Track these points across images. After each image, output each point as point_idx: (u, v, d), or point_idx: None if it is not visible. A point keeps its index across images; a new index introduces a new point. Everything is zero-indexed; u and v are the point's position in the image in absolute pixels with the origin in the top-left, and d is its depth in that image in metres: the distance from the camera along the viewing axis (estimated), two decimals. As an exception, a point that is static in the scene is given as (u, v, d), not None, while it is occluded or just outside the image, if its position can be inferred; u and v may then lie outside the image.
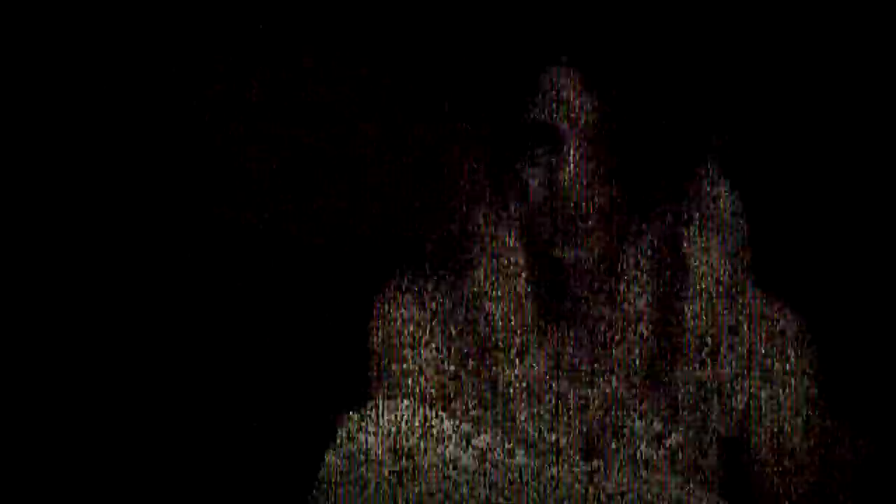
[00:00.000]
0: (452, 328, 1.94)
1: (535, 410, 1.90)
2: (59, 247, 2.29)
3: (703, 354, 1.89)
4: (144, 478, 2.26)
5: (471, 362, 1.93)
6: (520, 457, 1.86)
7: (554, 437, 1.90)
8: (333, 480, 1.86)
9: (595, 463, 1.86)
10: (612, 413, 1.90)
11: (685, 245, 1.89)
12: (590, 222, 1.85)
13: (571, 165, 1.83)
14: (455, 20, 2.07)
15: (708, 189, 1.91)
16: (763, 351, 1.90)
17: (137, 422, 2.27)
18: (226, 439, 2.26)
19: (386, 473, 1.85)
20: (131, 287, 2.29)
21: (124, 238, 2.29)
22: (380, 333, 1.95)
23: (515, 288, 1.91)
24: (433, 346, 1.94)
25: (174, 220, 2.29)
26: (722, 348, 1.89)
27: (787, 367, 1.90)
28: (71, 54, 2.28)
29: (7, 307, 2.29)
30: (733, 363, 1.89)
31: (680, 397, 1.90)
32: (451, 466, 1.86)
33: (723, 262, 1.90)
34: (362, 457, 1.86)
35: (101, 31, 2.27)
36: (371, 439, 1.86)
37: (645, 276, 1.90)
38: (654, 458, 1.89)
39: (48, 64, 2.28)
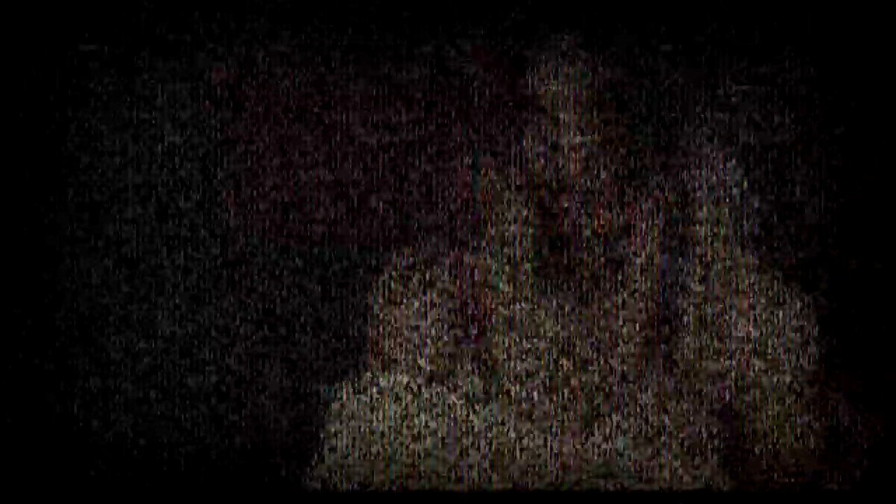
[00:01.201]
0: (453, 301, 1.94)
1: (535, 382, 1.90)
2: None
3: (705, 327, 1.90)
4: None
5: (471, 335, 1.93)
6: (516, 431, 1.86)
7: (553, 410, 1.89)
8: (329, 451, 1.85)
9: (594, 434, 1.86)
10: (612, 385, 1.90)
11: (690, 219, 1.91)
12: (592, 192, 1.86)
13: (570, 135, 1.84)
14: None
15: (713, 162, 1.92)
16: (764, 324, 1.90)
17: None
18: (225, 408, 2.26)
19: (382, 448, 1.85)
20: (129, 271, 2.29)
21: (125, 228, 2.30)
22: (378, 308, 1.96)
23: (517, 260, 1.91)
24: (433, 318, 1.94)
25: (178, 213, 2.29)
26: (724, 322, 1.90)
27: (788, 341, 1.90)
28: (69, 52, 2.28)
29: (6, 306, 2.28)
30: (734, 336, 1.90)
31: (680, 369, 1.90)
32: (447, 439, 1.85)
33: (727, 236, 1.91)
34: (359, 431, 1.86)
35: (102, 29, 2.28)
36: (368, 414, 1.86)
37: (649, 248, 1.91)
38: (653, 429, 1.89)
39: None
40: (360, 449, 1.87)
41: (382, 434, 1.87)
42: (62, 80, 2.24)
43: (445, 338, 1.94)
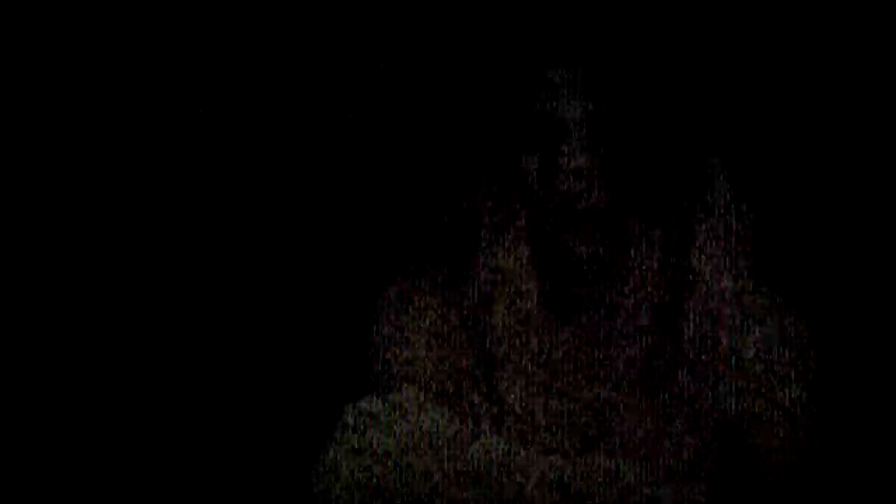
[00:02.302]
0: (456, 325, 1.94)
1: (536, 407, 1.90)
2: (59, 246, 2.29)
3: (704, 355, 1.90)
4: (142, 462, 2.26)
5: (473, 359, 1.93)
6: (519, 454, 1.87)
7: (553, 434, 1.89)
8: (334, 473, 1.86)
9: (593, 458, 1.87)
10: (611, 409, 1.90)
11: (690, 245, 1.90)
12: (592, 216, 1.85)
13: (574, 158, 1.83)
14: (459, 11, 2.07)
15: (712, 189, 1.91)
16: (763, 351, 1.90)
17: (136, 411, 2.27)
18: (230, 429, 2.26)
19: (386, 468, 1.85)
20: (137, 281, 2.29)
21: (128, 235, 2.30)
22: (384, 329, 1.95)
23: (519, 285, 1.91)
24: (436, 342, 1.94)
25: (180, 216, 2.29)
26: (722, 349, 1.90)
27: (787, 367, 1.90)
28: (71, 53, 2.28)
29: (7, 307, 2.28)
30: (733, 364, 1.89)
31: (678, 395, 1.90)
32: (450, 463, 1.86)
33: (727, 262, 1.90)
34: (363, 451, 1.86)
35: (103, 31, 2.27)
36: (372, 434, 1.87)
37: (649, 275, 1.90)
38: (651, 454, 1.89)
39: (49, 63, 2.28)
40: (362, 467, 1.87)
41: (382, 456, 1.87)
42: None
43: (447, 362, 1.93)
